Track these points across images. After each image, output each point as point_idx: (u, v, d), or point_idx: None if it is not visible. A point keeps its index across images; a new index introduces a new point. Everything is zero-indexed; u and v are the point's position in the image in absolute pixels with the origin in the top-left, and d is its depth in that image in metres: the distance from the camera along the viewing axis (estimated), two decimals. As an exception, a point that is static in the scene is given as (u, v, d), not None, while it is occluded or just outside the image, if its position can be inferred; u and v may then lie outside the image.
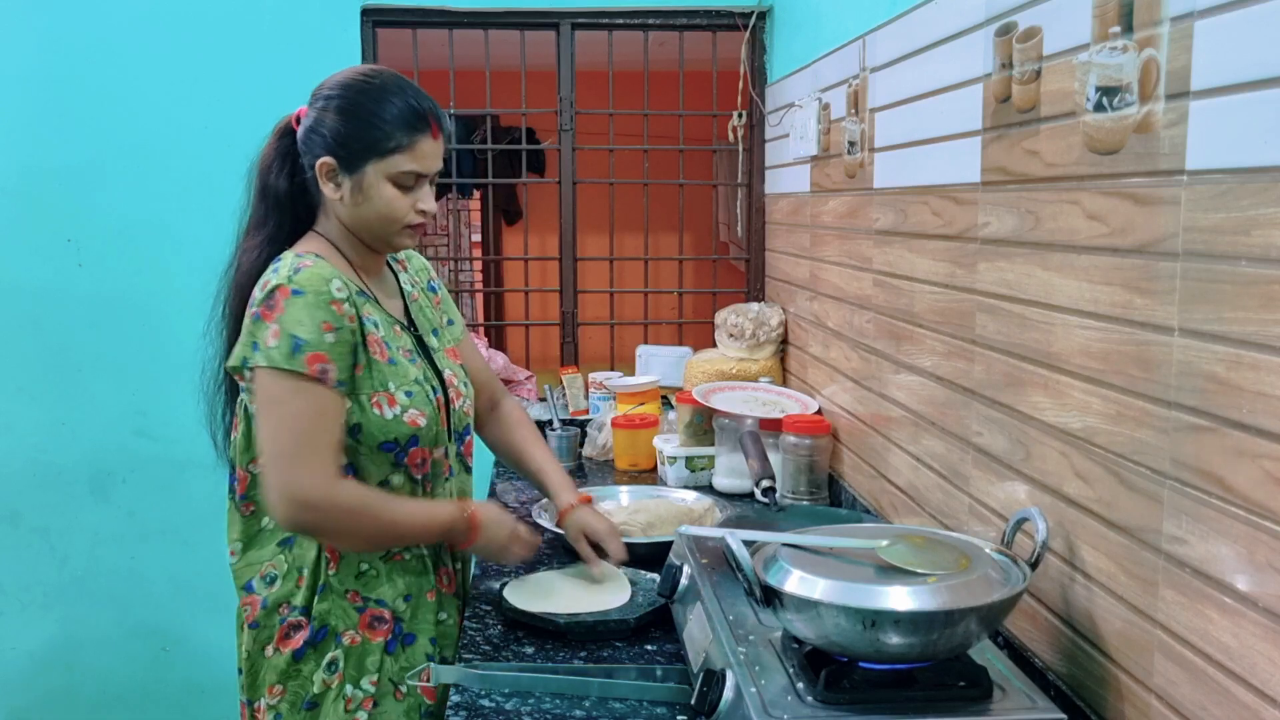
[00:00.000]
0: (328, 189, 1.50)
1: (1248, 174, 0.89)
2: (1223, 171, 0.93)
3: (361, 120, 1.47)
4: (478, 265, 6.81)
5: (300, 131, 1.52)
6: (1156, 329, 1.03)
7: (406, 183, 1.49)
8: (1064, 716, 1.08)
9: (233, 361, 1.44)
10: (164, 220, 2.79)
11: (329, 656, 1.50)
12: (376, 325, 1.52)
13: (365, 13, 2.79)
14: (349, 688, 1.50)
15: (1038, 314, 1.28)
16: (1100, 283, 1.13)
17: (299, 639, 1.50)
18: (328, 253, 1.51)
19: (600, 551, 1.69)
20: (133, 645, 2.93)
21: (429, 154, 1.50)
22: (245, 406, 1.50)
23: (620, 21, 2.89)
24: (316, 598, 1.49)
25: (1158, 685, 1.05)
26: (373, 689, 1.51)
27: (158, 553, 2.89)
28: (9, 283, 2.78)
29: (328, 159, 1.48)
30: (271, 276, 1.44)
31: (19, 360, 2.81)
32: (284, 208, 1.54)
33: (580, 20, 2.89)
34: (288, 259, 1.46)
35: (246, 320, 1.43)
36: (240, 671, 1.56)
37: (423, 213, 1.52)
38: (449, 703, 1.34)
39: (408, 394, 1.51)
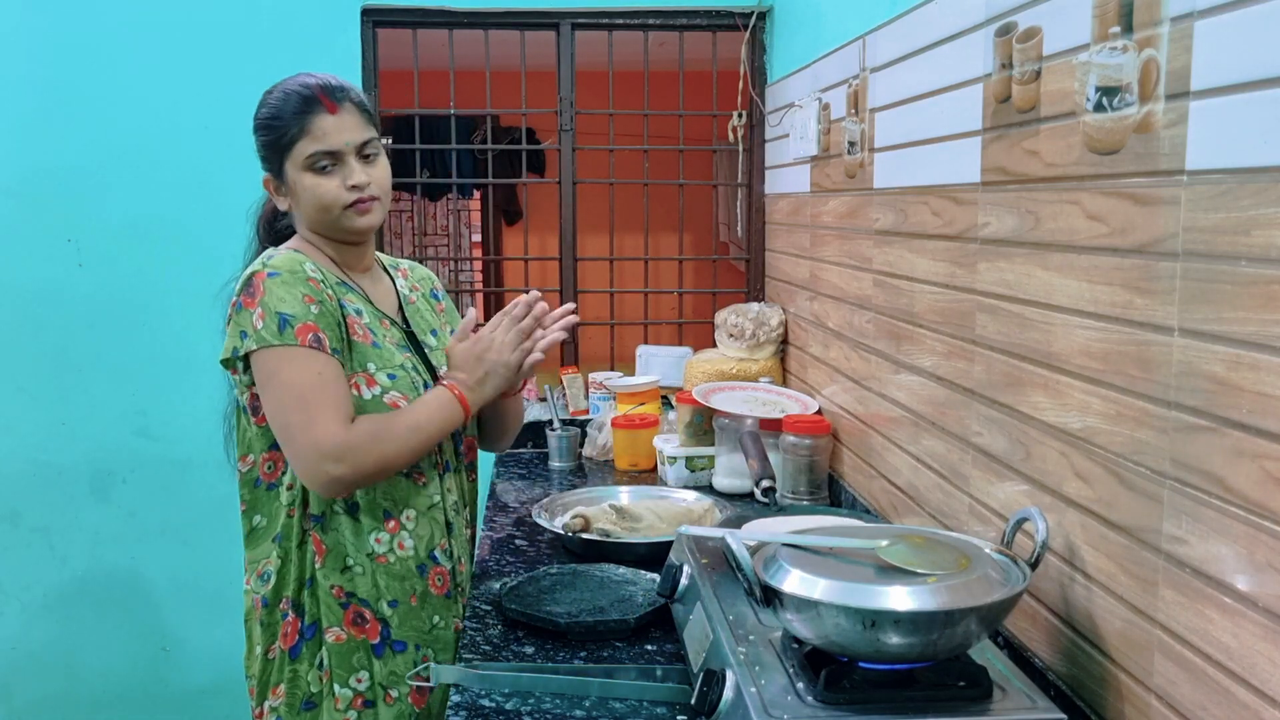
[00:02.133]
0: (280, 203, 1.57)
1: (1248, 174, 0.89)
2: (1223, 171, 0.93)
3: (264, 128, 1.52)
4: (478, 265, 6.82)
5: None
6: (1156, 329, 1.03)
7: (322, 164, 1.50)
8: (1064, 716, 1.08)
9: (225, 354, 1.45)
10: (164, 220, 2.79)
11: (319, 654, 1.51)
12: (359, 312, 1.54)
13: (365, 13, 2.79)
14: (337, 687, 1.50)
15: (1038, 314, 1.28)
16: (1100, 283, 1.13)
17: (293, 635, 1.51)
18: (309, 251, 1.56)
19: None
20: (133, 645, 2.93)
21: (330, 129, 1.49)
22: (237, 402, 1.52)
23: (620, 21, 2.89)
24: (305, 591, 1.51)
25: (1158, 685, 1.05)
26: (363, 688, 1.51)
27: (158, 553, 2.89)
28: (9, 283, 2.78)
29: (266, 176, 1.56)
30: (245, 270, 1.50)
31: (19, 360, 2.81)
32: (275, 232, 1.65)
33: (580, 20, 2.89)
34: (264, 255, 1.52)
35: (229, 313, 1.47)
36: (250, 676, 1.57)
37: (355, 188, 1.51)
38: (449, 703, 1.34)
39: (390, 376, 1.52)
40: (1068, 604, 1.24)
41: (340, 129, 1.50)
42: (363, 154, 1.53)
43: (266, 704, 1.53)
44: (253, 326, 1.42)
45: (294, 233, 1.62)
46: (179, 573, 2.89)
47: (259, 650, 1.55)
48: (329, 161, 1.50)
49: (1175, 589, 1.01)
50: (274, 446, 1.50)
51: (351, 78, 2.76)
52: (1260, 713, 0.89)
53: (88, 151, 2.76)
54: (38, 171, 2.75)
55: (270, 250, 1.53)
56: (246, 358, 1.44)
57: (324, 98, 1.49)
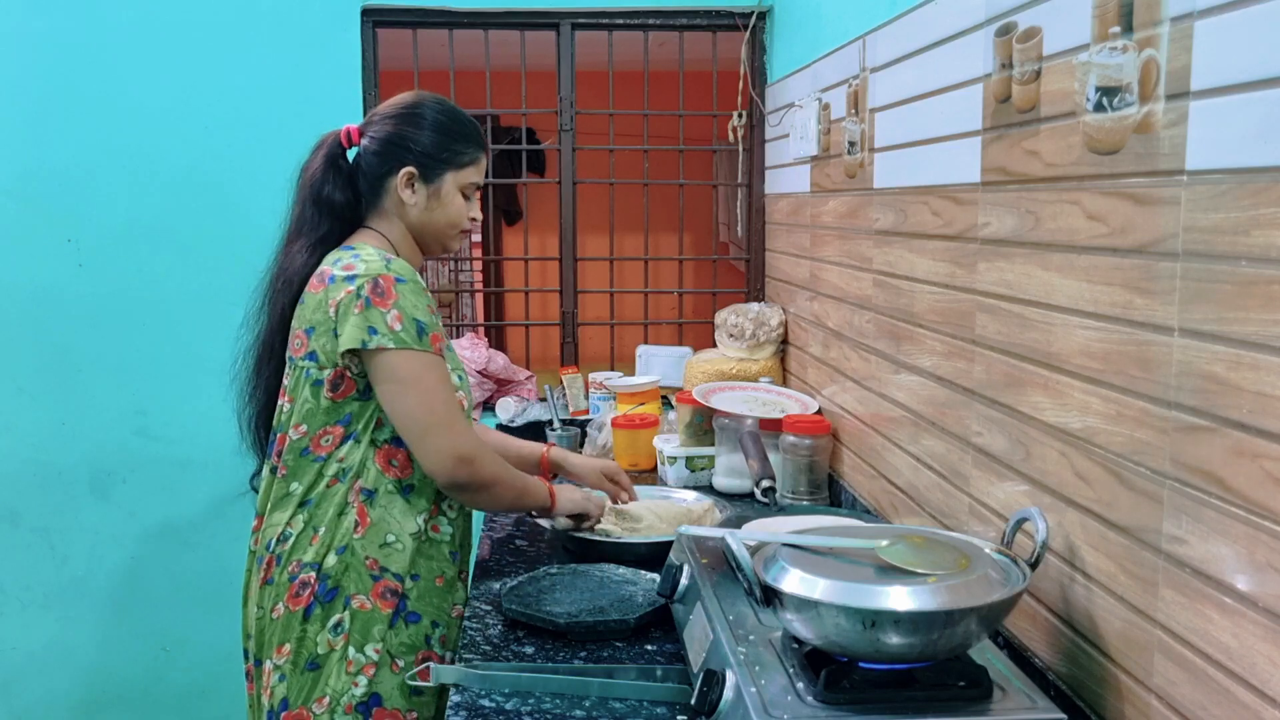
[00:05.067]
0: (405, 195, 1.66)
1: (1248, 174, 0.89)
2: (1223, 171, 0.93)
3: (441, 137, 1.67)
4: (478, 265, 6.81)
5: (368, 145, 1.66)
6: (1156, 329, 1.03)
7: (469, 193, 1.72)
8: (1064, 716, 1.08)
9: (348, 343, 1.53)
10: (164, 220, 2.79)
11: (335, 618, 1.56)
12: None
13: (365, 13, 2.79)
14: (353, 650, 1.56)
15: (1038, 314, 1.28)
16: (1100, 283, 1.13)
17: (307, 596, 1.56)
18: (388, 250, 1.65)
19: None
20: (133, 645, 2.92)
21: (484, 168, 1.75)
22: (305, 374, 1.59)
23: (620, 21, 2.89)
24: (333, 556, 1.57)
25: (1158, 685, 1.05)
26: (375, 656, 1.56)
27: (158, 553, 2.89)
28: (9, 283, 2.78)
29: (410, 169, 1.65)
30: (357, 262, 1.57)
31: (19, 360, 2.81)
32: (339, 215, 1.67)
33: (580, 20, 2.89)
34: (367, 250, 1.60)
35: (351, 306, 1.53)
36: (249, 635, 1.64)
37: (473, 220, 1.73)
38: (449, 703, 1.34)
39: (459, 377, 1.68)
40: (1068, 604, 1.24)
41: (485, 170, 1.75)
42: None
43: (269, 662, 1.58)
44: (388, 326, 1.53)
45: (343, 206, 1.66)
46: (179, 573, 2.89)
47: (260, 609, 1.60)
48: (471, 192, 1.72)
49: (1175, 589, 1.01)
50: (340, 422, 1.59)
51: (351, 78, 2.78)
52: (1260, 713, 0.89)
53: (88, 151, 2.76)
54: (38, 171, 2.75)
55: (373, 250, 1.60)
56: (367, 351, 1.53)
57: (485, 140, 1.75)
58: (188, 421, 2.83)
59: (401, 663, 1.58)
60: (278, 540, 1.60)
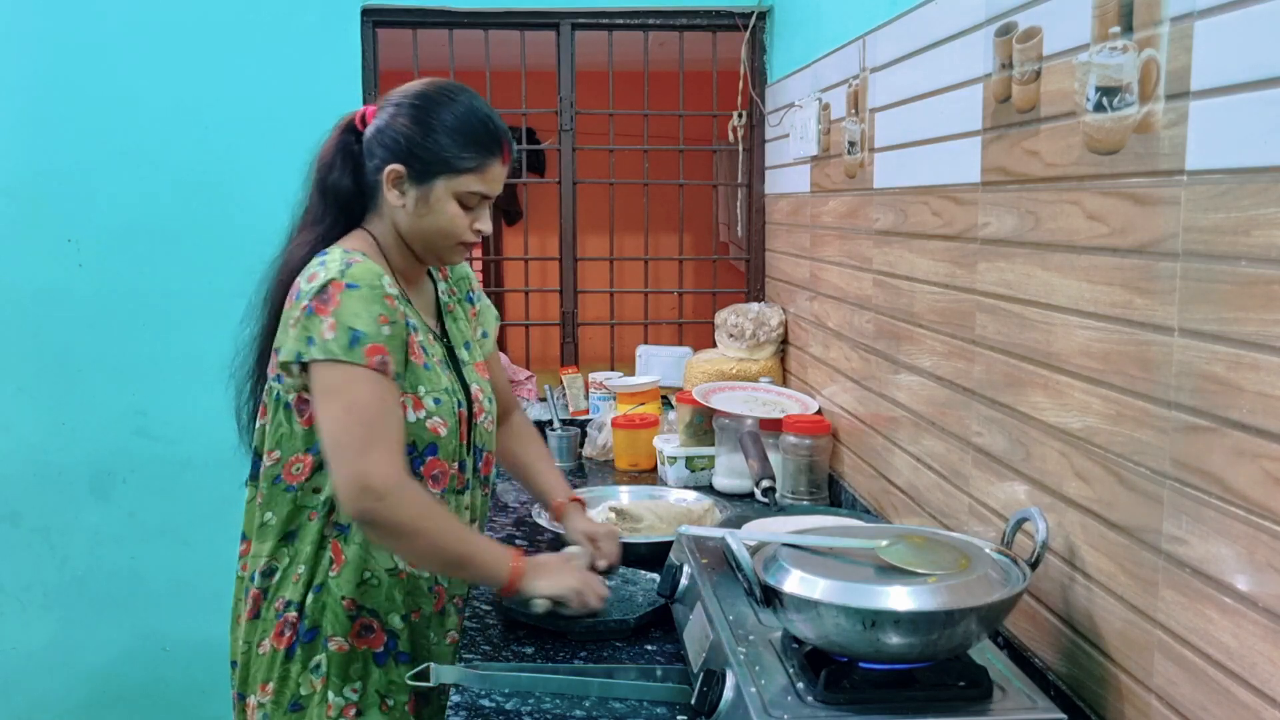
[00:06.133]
0: (392, 195, 1.49)
1: (1248, 174, 0.89)
2: (1223, 171, 0.93)
3: (439, 135, 1.48)
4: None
5: (369, 132, 1.51)
6: (1156, 329, 1.03)
7: (470, 203, 1.51)
8: (1064, 716, 1.08)
9: (285, 355, 1.42)
10: (164, 220, 2.79)
11: (316, 659, 1.49)
12: (415, 329, 1.51)
13: (365, 13, 2.79)
14: (331, 694, 1.49)
15: (1038, 314, 1.28)
16: (1100, 283, 1.13)
17: (289, 636, 1.49)
18: (373, 253, 1.50)
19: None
20: (133, 645, 2.92)
21: (497, 178, 1.52)
22: (277, 396, 1.48)
23: (620, 22, 2.89)
24: (311, 595, 1.49)
25: (1158, 685, 1.05)
26: (355, 697, 1.50)
27: (158, 553, 2.89)
28: (9, 283, 2.78)
29: (398, 166, 1.48)
30: (320, 270, 1.42)
31: (19, 360, 2.81)
32: (343, 207, 1.53)
33: (580, 20, 2.88)
34: (335, 253, 1.44)
35: (296, 314, 1.41)
36: (234, 665, 1.56)
37: (478, 232, 1.53)
38: (449, 703, 1.34)
39: (435, 401, 1.50)
40: (1068, 604, 1.24)
41: (500, 179, 1.53)
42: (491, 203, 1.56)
43: (254, 698, 1.52)
44: (321, 335, 1.38)
45: (349, 196, 1.52)
46: (179, 573, 2.89)
47: (246, 643, 1.53)
48: (475, 203, 1.52)
49: (1175, 589, 1.01)
50: (310, 450, 1.47)
51: (351, 78, 2.78)
52: (1260, 713, 0.89)
53: (88, 151, 2.76)
54: (37, 172, 2.75)
55: (343, 254, 1.44)
56: (304, 364, 1.41)
57: (505, 146, 1.52)
58: (188, 421, 2.83)
59: (392, 701, 1.51)
60: (263, 574, 1.51)
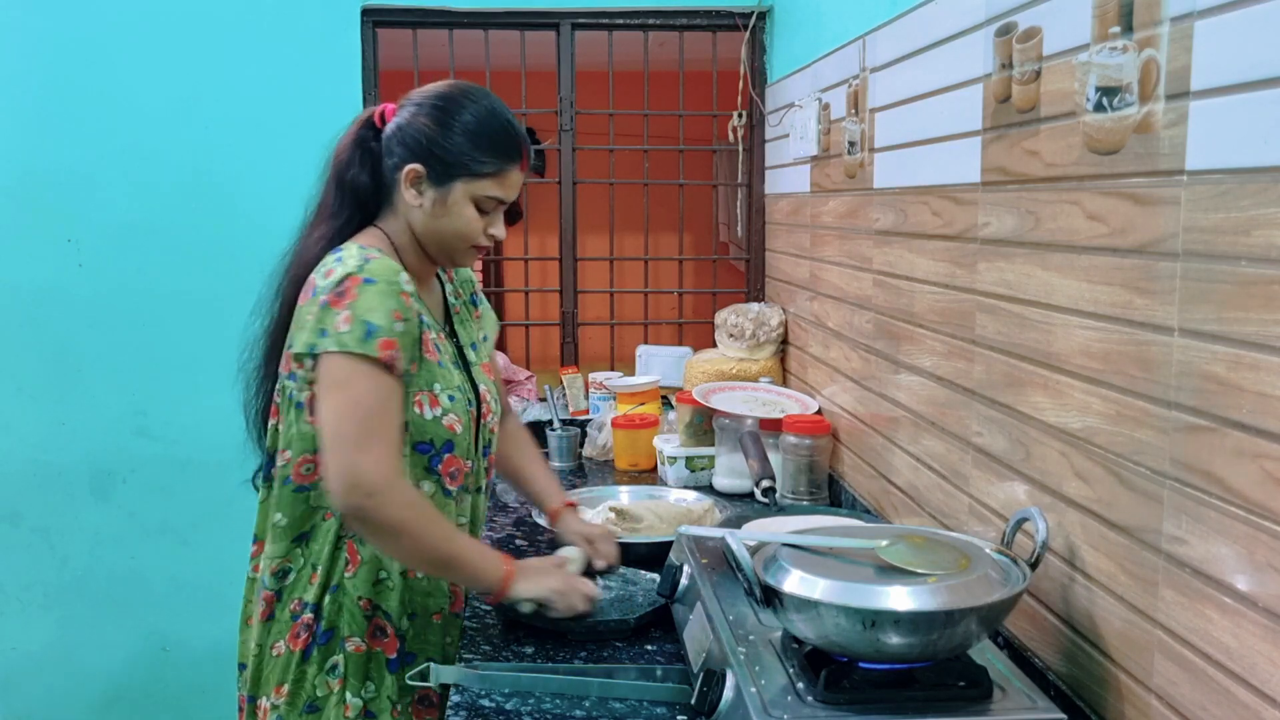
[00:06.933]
0: (409, 194, 1.50)
1: (1248, 174, 0.89)
2: (1223, 171, 0.93)
3: (460, 138, 1.48)
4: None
5: (389, 129, 1.51)
6: (1156, 329, 1.03)
7: (487, 207, 1.52)
8: (1064, 716, 1.08)
9: (299, 348, 1.42)
10: (164, 220, 2.79)
11: (333, 660, 1.49)
12: (429, 326, 1.52)
13: (365, 13, 2.79)
14: (349, 695, 1.49)
15: (1038, 314, 1.28)
16: (1100, 283, 1.13)
17: (306, 637, 1.49)
18: (387, 251, 1.50)
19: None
20: (133, 645, 2.93)
21: (515, 184, 1.53)
22: (290, 395, 1.48)
23: (620, 22, 2.89)
24: (328, 596, 1.48)
25: (1158, 685, 1.05)
26: (370, 698, 1.50)
27: (158, 553, 2.89)
28: (9, 283, 2.78)
29: (417, 166, 1.48)
30: (337, 265, 1.42)
31: (19, 360, 2.81)
32: (359, 202, 1.53)
33: (580, 20, 2.89)
34: (352, 249, 1.45)
35: (310, 308, 1.41)
36: (243, 667, 1.56)
37: (491, 236, 1.53)
38: (449, 703, 1.34)
39: (450, 398, 1.51)
40: (1068, 604, 1.24)
41: (517, 185, 1.54)
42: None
43: (266, 700, 1.51)
44: (335, 327, 1.38)
45: (367, 193, 1.52)
46: (179, 573, 2.89)
47: (259, 645, 1.53)
48: (491, 207, 1.52)
49: (1175, 589, 1.01)
50: (319, 450, 1.45)
51: (351, 78, 2.78)
52: (1260, 713, 0.89)
53: (88, 151, 2.76)
54: (37, 172, 2.75)
55: (360, 249, 1.44)
56: (315, 356, 1.41)
57: (525, 152, 1.53)
58: (188, 421, 2.83)
59: (400, 707, 1.51)
60: (273, 576, 1.50)
